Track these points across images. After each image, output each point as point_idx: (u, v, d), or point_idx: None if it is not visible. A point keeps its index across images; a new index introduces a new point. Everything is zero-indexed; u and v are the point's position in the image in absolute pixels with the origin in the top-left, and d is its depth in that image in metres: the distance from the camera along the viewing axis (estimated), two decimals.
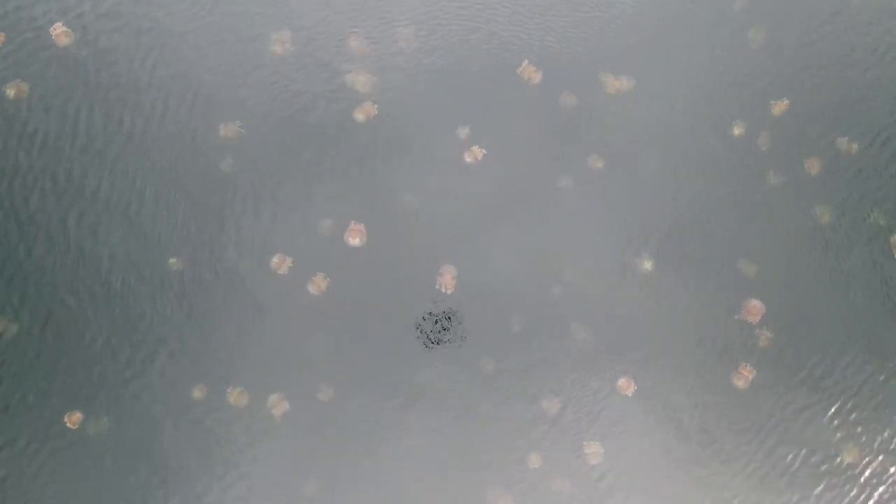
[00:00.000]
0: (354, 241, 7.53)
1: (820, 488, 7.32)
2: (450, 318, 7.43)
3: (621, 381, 7.46)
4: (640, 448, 7.36)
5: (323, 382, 7.26)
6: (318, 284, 7.46)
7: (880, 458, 7.40)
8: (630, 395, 7.42)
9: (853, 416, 7.47)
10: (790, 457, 7.38)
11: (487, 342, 7.43)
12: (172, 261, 7.31)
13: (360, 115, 7.70)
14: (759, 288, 7.59)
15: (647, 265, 7.60)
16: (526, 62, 7.86)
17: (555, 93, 7.82)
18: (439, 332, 7.41)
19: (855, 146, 7.78)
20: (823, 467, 7.39)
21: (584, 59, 7.89)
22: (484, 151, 7.67)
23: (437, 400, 7.31)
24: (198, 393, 7.16)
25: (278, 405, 7.20)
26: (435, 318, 7.43)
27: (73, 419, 7.02)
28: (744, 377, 7.48)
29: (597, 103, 7.82)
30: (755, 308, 7.54)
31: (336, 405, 7.23)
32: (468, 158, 7.71)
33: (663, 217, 7.71)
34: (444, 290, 7.46)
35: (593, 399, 7.43)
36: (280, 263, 7.40)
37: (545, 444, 7.30)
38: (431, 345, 7.38)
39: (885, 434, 7.42)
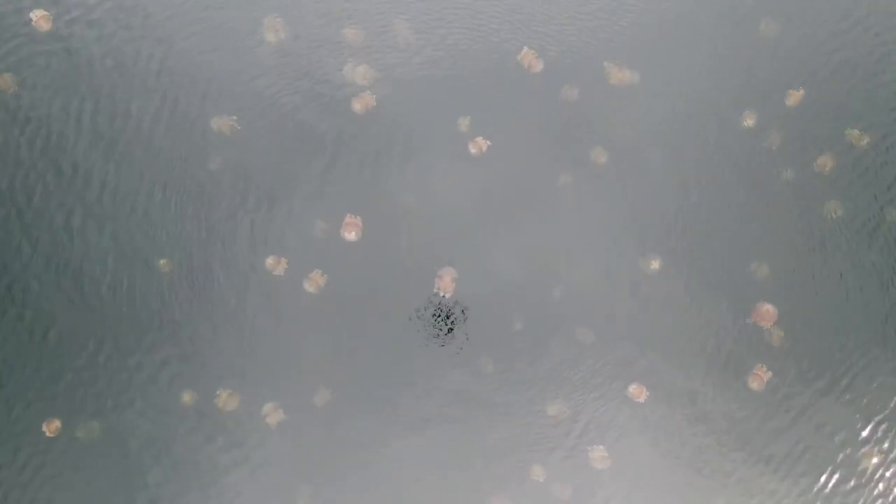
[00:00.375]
0: (350, 235, 7.33)
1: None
2: (450, 320, 7.29)
3: (632, 388, 7.27)
4: (649, 456, 7.21)
5: (321, 385, 7.12)
6: (315, 281, 7.27)
7: None
8: (642, 401, 7.25)
9: (875, 419, 7.32)
10: (809, 473, 7.28)
11: (489, 345, 7.31)
12: (163, 261, 7.14)
13: (358, 107, 7.49)
14: (771, 290, 7.41)
15: (654, 265, 7.40)
16: (526, 49, 7.59)
17: (556, 83, 7.59)
18: (439, 335, 7.28)
19: (866, 140, 7.58)
20: (849, 484, 7.25)
21: (587, 48, 7.67)
22: (488, 143, 7.46)
23: (437, 402, 7.20)
24: (188, 398, 7.00)
25: (273, 413, 7.03)
26: (434, 320, 7.30)
27: (51, 428, 6.82)
28: (759, 378, 7.29)
29: (601, 94, 7.61)
30: (767, 312, 7.34)
31: (333, 408, 7.10)
32: (472, 149, 7.50)
33: (670, 214, 7.53)
34: (442, 294, 7.30)
35: (602, 406, 7.27)
36: (276, 264, 7.23)
37: (549, 452, 7.18)
38: (431, 347, 7.26)
39: None
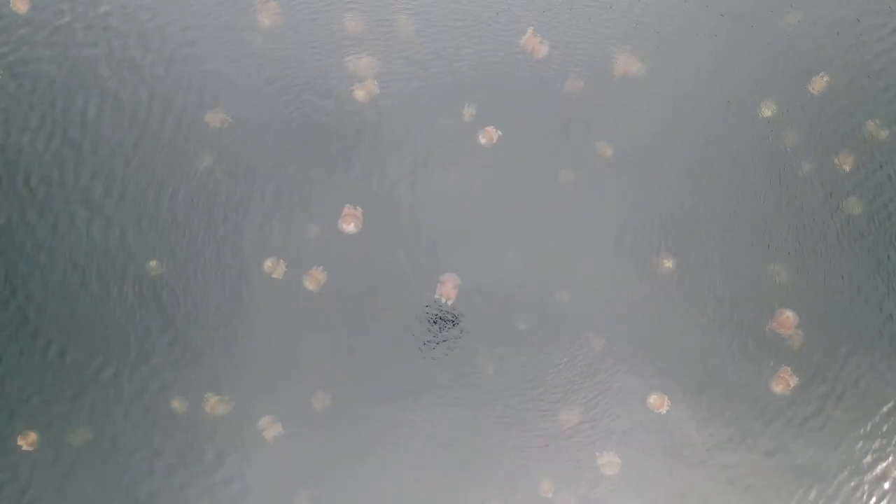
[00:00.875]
0: (349, 226, 7.08)
1: None
2: (452, 323, 7.07)
3: (653, 398, 7.00)
4: (666, 466, 6.97)
5: (319, 388, 6.92)
6: (315, 278, 7.03)
7: None
8: (664, 412, 6.98)
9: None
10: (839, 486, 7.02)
11: (495, 350, 7.08)
12: (152, 263, 6.91)
13: (360, 94, 7.26)
14: (791, 292, 7.16)
15: (668, 264, 7.15)
16: (530, 30, 7.36)
17: (562, 70, 7.35)
18: (442, 337, 7.06)
19: (885, 133, 7.38)
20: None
21: (595, 33, 7.45)
22: (499, 133, 7.23)
23: (441, 407, 7.00)
24: (179, 404, 6.77)
25: (271, 427, 6.81)
26: (436, 324, 7.08)
27: (28, 441, 6.58)
28: (784, 381, 7.01)
29: (608, 83, 7.38)
30: (788, 320, 7.07)
31: (332, 412, 6.90)
32: (483, 139, 7.26)
33: (683, 211, 7.30)
34: (445, 300, 7.06)
35: (619, 415, 7.03)
36: (273, 266, 7.00)
37: (558, 460, 6.95)
38: (435, 350, 7.04)
39: None
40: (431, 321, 7.05)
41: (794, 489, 6.95)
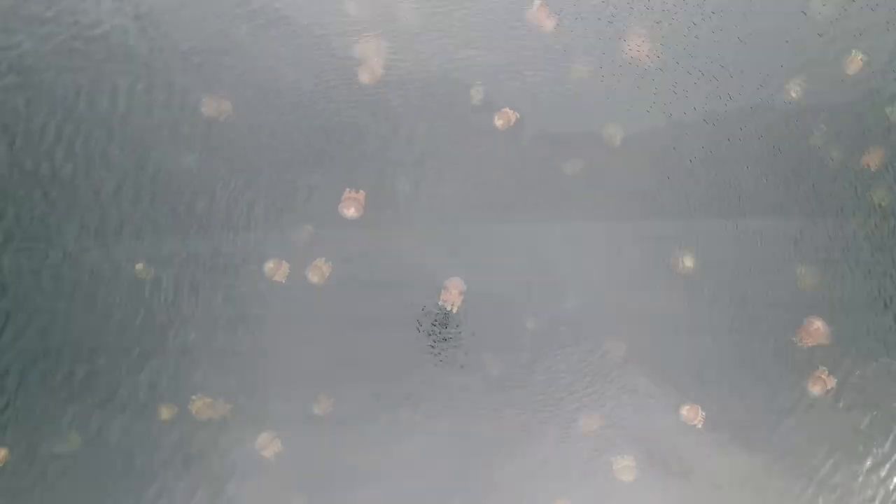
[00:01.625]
0: (350, 210, 6.85)
1: None
2: (459, 330, 6.89)
3: (685, 410, 6.72)
4: (692, 478, 6.76)
5: (321, 393, 6.77)
6: (319, 269, 6.81)
7: None
8: (699, 425, 6.73)
9: None
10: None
11: (504, 354, 6.94)
12: (139, 266, 6.67)
13: (365, 77, 7.01)
14: (820, 297, 6.93)
15: (688, 263, 6.93)
16: (539, 2, 7.08)
17: (572, 49, 7.08)
18: (449, 346, 6.90)
19: None
20: None
21: (606, 10, 7.14)
22: (517, 114, 6.96)
23: (449, 412, 6.84)
24: (165, 413, 6.59)
25: (270, 444, 6.64)
26: (443, 331, 6.91)
27: None
28: (822, 382, 6.75)
29: (620, 62, 7.08)
30: (816, 331, 6.81)
31: (333, 417, 6.76)
32: (498, 121, 6.99)
33: (702, 207, 7.09)
34: (449, 307, 6.89)
35: (642, 428, 6.80)
36: (275, 269, 6.80)
37: (577, 478, 6.77)
38: (440, 359, 6.89)
39: None
40: (436, 327, 6.89)
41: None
